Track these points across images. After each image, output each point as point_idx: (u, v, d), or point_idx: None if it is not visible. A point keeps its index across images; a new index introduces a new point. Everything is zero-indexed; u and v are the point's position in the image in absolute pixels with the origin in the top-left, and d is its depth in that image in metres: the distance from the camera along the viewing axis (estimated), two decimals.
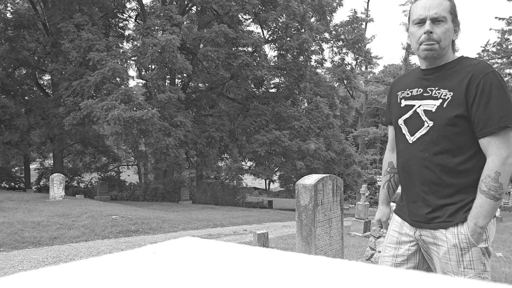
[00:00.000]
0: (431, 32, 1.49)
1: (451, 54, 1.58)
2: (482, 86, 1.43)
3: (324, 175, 3.58)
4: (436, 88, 1.53)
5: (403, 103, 1.64)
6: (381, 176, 2.00)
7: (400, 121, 1.64)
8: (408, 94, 1.63)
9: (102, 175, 25.17)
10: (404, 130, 1.61)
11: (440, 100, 1.50)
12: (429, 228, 1.57)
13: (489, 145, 1.44)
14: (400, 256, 1.71)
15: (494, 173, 1.42)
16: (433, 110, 1.51)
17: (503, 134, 1.42)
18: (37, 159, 26.43)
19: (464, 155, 1.49)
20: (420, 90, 1.59)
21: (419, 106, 1.56)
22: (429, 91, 1.55)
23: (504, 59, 36.76)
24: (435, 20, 1.50)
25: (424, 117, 1.54)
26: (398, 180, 1.81)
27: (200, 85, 24.76)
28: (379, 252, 4.30)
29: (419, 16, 1.52)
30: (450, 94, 1.48)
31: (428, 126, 1.52)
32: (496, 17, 33.70)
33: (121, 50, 18.45)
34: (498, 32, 35.64)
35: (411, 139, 1.59)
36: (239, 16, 19.97)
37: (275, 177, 25.56)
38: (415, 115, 1.57)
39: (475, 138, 1.48)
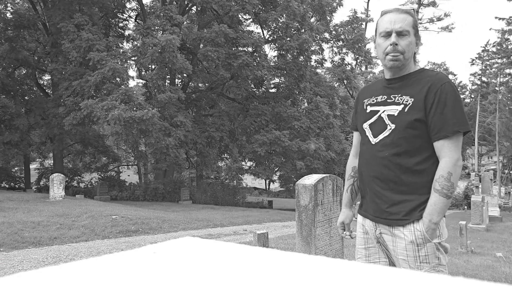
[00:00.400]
0: (396, 44, 1.65)
1: (412, 65, 1.74)
2: (439, 94, 1.58)
3: (324, 175, 3.58)
4: (399, 95, 1.68)
5: (369, 109, 1.78)
6: None
7: (365, 125, 1.77)
8: (373, 101, 1.78)
9: (102, 175, 25.17)
10: (368, 133, 1.75)
11: (402, 106, 1.65)
12: (388, 224, 1.69)
13: (442, 147, 1.59)
14: (372, 254, 1.84)
15: (447, 173, 1.56)
16: (396, 114, 1.66)
17: (455, 138, 1.58)
18: (37, 159, 26.42)
19: (421, 156, 1.63)
20: (384, 97, 1.73)
21: (383, 111, 1.71)
22: (392, 97, 1.70)
23: (504, 59, 36.76)
24: (400, 34, 1.65)
25: (387, 121, 1.68)
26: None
27: (200, 85, 24.75)
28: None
29: (385, 29, 1.67)
30: (411, 100, 1.64)
31: (390, 129, 1.66)
32: (496, 17, 33.73)
33: (121, 50, 18.44)
34: (498, 32, 35.66)
35: (374, 140, 1.72)
36: (239, 16, 19.96)
37: (275, 177, 25.55)
38: (380, 119, 1.71)
39: (429, 141, 1.63)
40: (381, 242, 1.78)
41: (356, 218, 2.02)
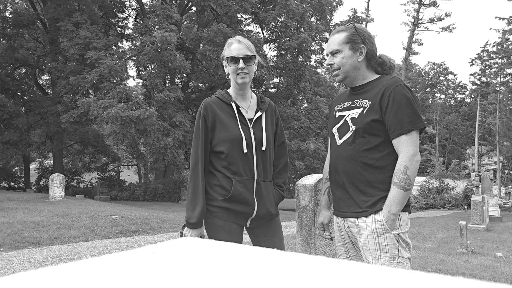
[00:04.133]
0: (332, 64, 1.89)
1: (368, 73, 1.91)
2: (393, 95, 1.74)
3: None
4: (360, 100, 1.87)
5: (337, 114, 1.98)
6: None
7: (334, 129, 1.96)
8: (341, 107, 1.97)
9: (102, 175, 25.16)
10: (336, 136, 1.93)
11: (362, 108, 1.83)
12: (353, 217, 1.83)
13: (399, 144, 1.73)
14: (350, 249, 1.97)
15: (403, 167, 1.70)
16: (356, 116, 1.84)
17: (411, 135, 1.72)
18: (37, 159, 26.41)
19: (380, 154, 1.78)
20: (349, 103, 1.92)
21: (348, 115, 1.89)
22: (355, 102, 1.89)
23: (505, 59, 36.73)
24: (332, 53, 1.88)
25: (350, 123, 1.86)
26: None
27: (200, 85, 24.75)
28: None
29: (325, 52, 1.95)
30: (368, 103, 1.81)
31: (352, 130, 1.84)
32: (496, 17, 33.72)
33: (121, 50, 18.45)
34: (499, 32, 35.63)
35: (339, 142, 1.90)
36: (238, 15, 19.93)
37: None
38: (345, 123, 1.90)
39: (388, 140, 1.78)
40: (350, 237, 1.92)
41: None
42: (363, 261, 1.83)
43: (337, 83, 2.13)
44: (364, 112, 1.80)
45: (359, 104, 1.85)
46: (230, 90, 2.08)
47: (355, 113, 1.85)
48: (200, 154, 1.96)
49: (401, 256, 1.75)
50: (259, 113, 2.03)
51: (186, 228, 1.98)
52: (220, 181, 1.95)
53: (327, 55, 1.93)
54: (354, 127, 1.82)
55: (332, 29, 25.85)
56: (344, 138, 1.86)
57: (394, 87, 1.76)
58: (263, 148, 1.98)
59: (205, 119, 1.97)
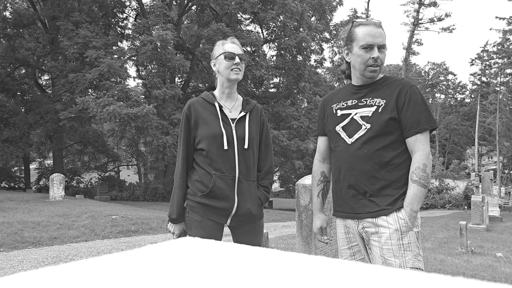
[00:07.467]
0: (377, 58, 1.80)
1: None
2: (409, 95, 1.77)
3: None
4: (370, 98, 1.84)
5: (339, 113, 1.92)
6: None
7: (338, 128, 1.90)
8: (343, 105, 1.92)
9: (101, 175, 25.15)
10: (343, 134, 1.87)
11: (375, 107, 1.81)
12: (372, 216, 1.77)
13: (415, 142, 1.74)
14: (357, 252, 1.93)
15: (422, 165, 1.71)
16: (370, 115, 1.81)
17: (425, 134, 1.76)
18: (37, 159, 26.41)
19: (396, 152, 1.78)
20: (355, 101, 1.88)
21: (355, 114, 1.85)
22: (363, 101, 1.85)
23: (505, 59, 36.72)
24: (381, 47, 1.80)
25: (361, 122, 1.82)
26: (332, 186, 2.00)
27: (200, 85, 24.76)
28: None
29: (367, 42, 1.79)
30: (383, 101, 1.80)
31: (366, 128, 1.80)
32: (496, 17, 33.71)
33: (120, 49, 18.49)
34: (499, 32, 35.62)
35: (350, 140, 1.84)
36: (238, 15, 19.97)
37: (275, 177, 25.59)
38: (352, 121, 1.85)
39: (401, 138, 1.79)
40: (364, 238, 1.85)
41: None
42: (373, 263, 1.79)
43: (370, 78, 1.90)
44: (380, 111, 1.78)
45: (370, 102, 1.82)
46: (216, 92, 2.14)
47: (366, 111, 1.81)
48: (181, 151, 2.04)
49: (420, 254, 1.75)
50: (242, 113, 2.06)
51: (170, 223, 2.11)
52: (201, 177, 1.99)
53: (369, 46, 1.78)
54: (368, 125, 1.79)
55: (332, 29, 25.86)
56: (356, 136, 1.81)
57: (409, 87, 1.79)
58: (245, 146, 2.00)
59: (188, 118, 2.04)
